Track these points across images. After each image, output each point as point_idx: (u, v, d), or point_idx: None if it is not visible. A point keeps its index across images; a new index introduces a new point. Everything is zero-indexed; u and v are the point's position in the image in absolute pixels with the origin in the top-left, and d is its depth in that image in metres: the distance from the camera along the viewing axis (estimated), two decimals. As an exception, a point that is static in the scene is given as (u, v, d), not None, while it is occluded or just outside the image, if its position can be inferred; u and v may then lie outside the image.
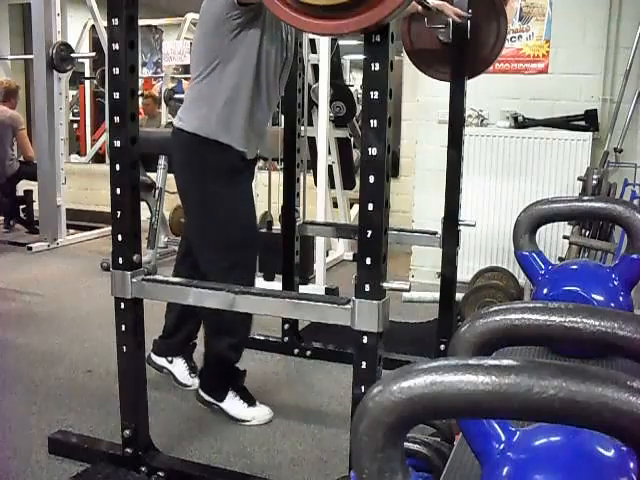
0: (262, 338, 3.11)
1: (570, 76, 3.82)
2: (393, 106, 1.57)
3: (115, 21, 1.78)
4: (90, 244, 5.48)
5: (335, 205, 4.84)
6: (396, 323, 3.36)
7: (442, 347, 2.80)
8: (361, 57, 1.54)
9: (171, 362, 2.64)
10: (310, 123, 3.98)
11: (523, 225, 1.54)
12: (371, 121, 1.54)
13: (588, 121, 3.77)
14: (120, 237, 1.90)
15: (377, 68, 1.52)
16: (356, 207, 4.66)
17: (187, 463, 2.08)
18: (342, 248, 4.93)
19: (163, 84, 7.65)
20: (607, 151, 3.72)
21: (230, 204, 2.26)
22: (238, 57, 2.14)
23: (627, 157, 3.75)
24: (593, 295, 1.37)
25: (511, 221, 1.63)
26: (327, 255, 4.42)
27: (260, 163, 4.56)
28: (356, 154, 4.92)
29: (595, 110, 3.76)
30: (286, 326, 3.06)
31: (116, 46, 1.80)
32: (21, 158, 5.65)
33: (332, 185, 4.64)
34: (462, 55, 2.66)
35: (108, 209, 1.91)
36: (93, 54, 6.37)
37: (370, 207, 1.58)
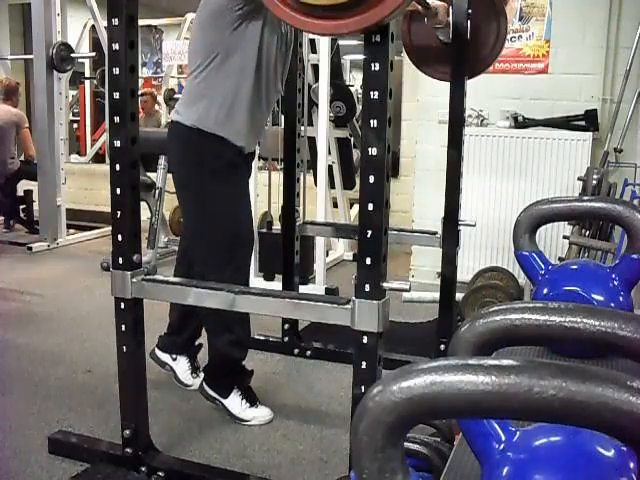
0: (262, 338, 3.11)
1: (570, 76, 3.82)
2: (393, 106, 1.57)
3: (115, 21, 1.78)
4: (90, 244, 5.48)
5: (335, 205, 4.84)
6: (396, 323, 3.36)
7: (442, 347, 2.80)
8: (361, 57, 1.54)
9: (175, 359, 2.63)
10: (310, 123, 3.98)
11: (523, 225, 1.54)
12: (371, 121, 1.54)
13: (588, 121, 3.77)
14: (120, 237, 1.90)
15: (377, 68, 1.52)
16: (356, 207, 4.66)
17: (187, 463, 2.08)
18: (342, 248, 4.93)
19: (163, 84, 7.67)
20: (607, 151, 3.72)
21: (226, 200, 2.26)
22: (238, 50, 2.12)
23: (627, 157, 3.75)
24: (593, 295, 1.37)
25: (511, 221, 1.63)
26: (327, 255, 4.42)
27: (260, 163, 4.57)
28: (356, 154, 4.93)
29: (595, 110, 3.76)
30: (286, 326, 3.06)
31: (116, 46, 1.80)
32: (22, 157, 5.65)
33: (332, 185, 4.64)
34: (462, 55, 2.65)
35: (108, 209, 1.91)
36: (93, 54, 6.37)
37: (370, 207, 1.58)
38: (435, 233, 2.87)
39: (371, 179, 1.57)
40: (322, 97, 3.93)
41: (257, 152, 3.52)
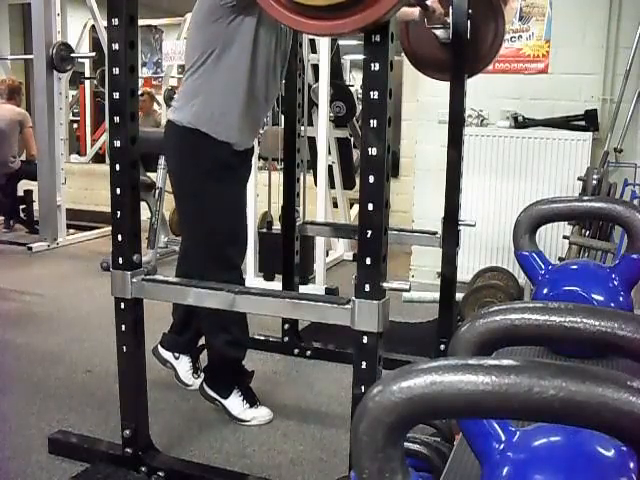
0: (262, 338, 3.11)
1: (570, 76, 3.81)
2: (393, 106, 1.57)
3: (115, 21, 1.78)
4: (90, 244, 5.48)
5: (335, 205, 4.84)
6: (396, 323, 3.36)
7: (442, 347, 2.80)
8: (361, 57, 1.54)
9: (177, 358, 2.63)
10: (310, 123, 3.98)
11: (523, 225, 1.54)
12: (371, 121, 1.54)
13: (588, 121, 3.77)
14: (120, 237, 1.90)
15: (377, 68, 1.51)
16: (356, 207, 4.66)
17: (187, 463, 2.08)
18: (342, 248, 4.93)
19: (163, 84, 7.67)
20: (607, 151, 3.71)
21: (220, 200, 2.25)
22: (234, 45, 2.12)
23: (627, 157, 3.75)
24: (593, 295, 1.37)
25: (511, 221, 1.63)
26: (327, 255, 4.42)
27: (260, 163, 4.57)
28: (356, 154, 4.92)
29: (595, 110, 3.76)
30: (286, 326, 3.06)
31: (116, 46, 1.80)
32: (23, 157, 5.66)
33: (332, 185, 4.64)
34: (462, 55, 2.65)
35: (108, 209, 1.91)
36: (93, 54, 6.37)
37: (370, 207, 1.58)
38: (435, 233, 2.87)
39: (371, 179, 1.57)
40: (322, 97, 3.93)
41: (257, 150, 3.52)
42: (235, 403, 2.39)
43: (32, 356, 3.00)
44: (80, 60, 6.79)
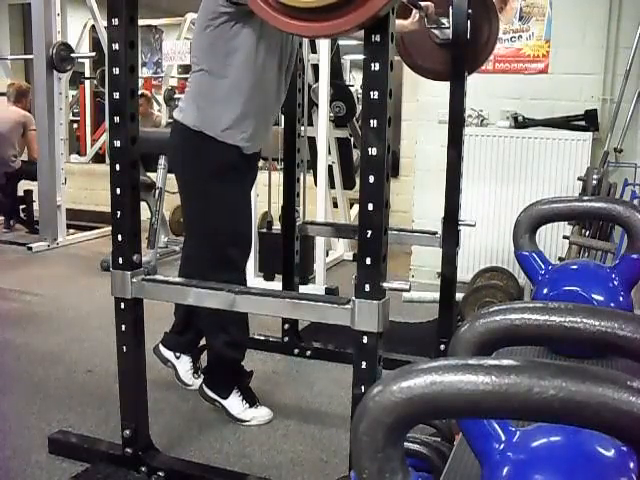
0: (262, 338, 3.11)
1: (570, 76, 3.82)
2: (393, 106, 1.57)
3: (115, 21, 1.78)
4: (90, 244, 5.48)
5: (335, 205, 4.84)
6: (396, 323, 3.36)
7: (442, 347, 2.80)
8: (361, 57, 1.53)
9: (178, 358, 2.62)
10: (310, 123, 3.98)
11: (523, 225, 1.54)
12: (371, 121, 1.54)
13: (588, 121, 3.77)
14: (120, 237, 1.90)
15: (377, 68, 1.51)
16: (356, 207, 4.66)
17: (187, 463, 2.08)
18: (342, 248, 4.93)
19: (163, 84, 7.67)
20: (607, 151, 3.72)
21: (225, 202, 2.25)
22: (238, 48, 2.11)
23: (627, 157, 3.75)
24: (593, 295, 1.37)
25: (511, 221, 1.63)
26: (327, 255, 4.42)
27: (260, 163, 4.56)
28: (356, 154, 4.93)
29: (595, 110, 3.76)
30: (286, 326, 3.06)
31: (116, 46, 1.80)
32: (23, 157, 5.67)
33: (332, 185, 4.64)
34: (462, 55, 2.66)
35: (108, 209, 1.91)
36: (93, 54, 6.37)
37: (370, 207, 1.58)
38: (435, 233, 2.87)
39: (371, 179, 1.57)
40: (322, 97, 3.93)
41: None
42: (235, 403, 2.39)
43: (32, 356, 3.00)
44: (80, 60, 6.79)
